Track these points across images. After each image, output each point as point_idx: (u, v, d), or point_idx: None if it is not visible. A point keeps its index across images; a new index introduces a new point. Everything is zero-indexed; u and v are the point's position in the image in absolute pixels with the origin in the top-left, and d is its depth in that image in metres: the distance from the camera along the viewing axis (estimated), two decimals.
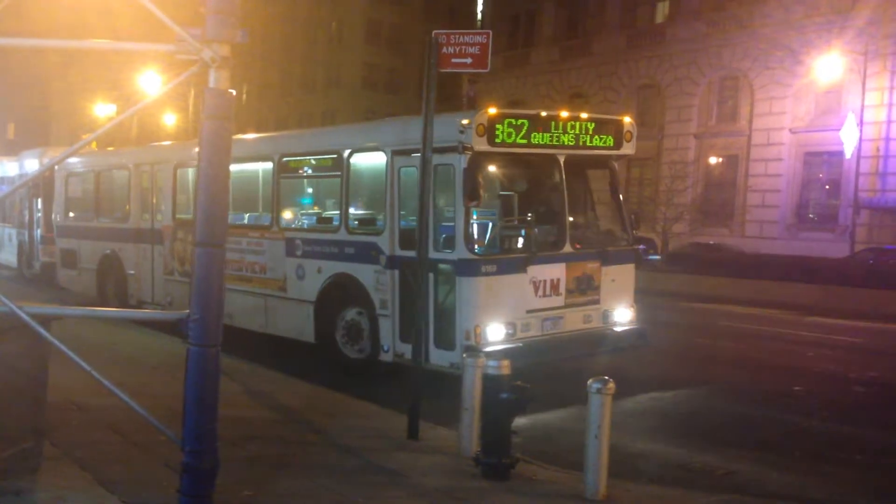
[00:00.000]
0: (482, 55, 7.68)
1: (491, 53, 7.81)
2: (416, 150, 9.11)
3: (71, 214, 18.23)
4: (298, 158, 12.50)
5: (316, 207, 12.79)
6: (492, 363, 6.73)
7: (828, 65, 29.37)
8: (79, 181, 18.21)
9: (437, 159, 9.01)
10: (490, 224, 10.05)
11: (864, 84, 28.55)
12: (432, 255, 9.24)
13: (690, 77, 36.12)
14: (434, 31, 7.87)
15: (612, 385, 6.22)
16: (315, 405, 9.16)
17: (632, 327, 10.94)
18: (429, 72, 7.70)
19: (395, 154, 10.30)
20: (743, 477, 7.47)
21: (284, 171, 12.41)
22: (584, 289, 10.36)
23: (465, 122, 9.37)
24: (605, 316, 10.69)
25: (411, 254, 9.38)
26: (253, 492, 5.94)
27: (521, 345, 9.57)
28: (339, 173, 11.22)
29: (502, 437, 6.61)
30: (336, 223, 11.35)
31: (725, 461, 7.90)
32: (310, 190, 13.19)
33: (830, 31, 30.21)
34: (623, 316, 10.85)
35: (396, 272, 10.23)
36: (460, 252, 9.45)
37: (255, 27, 50.63)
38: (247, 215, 13.40)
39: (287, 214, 12.69)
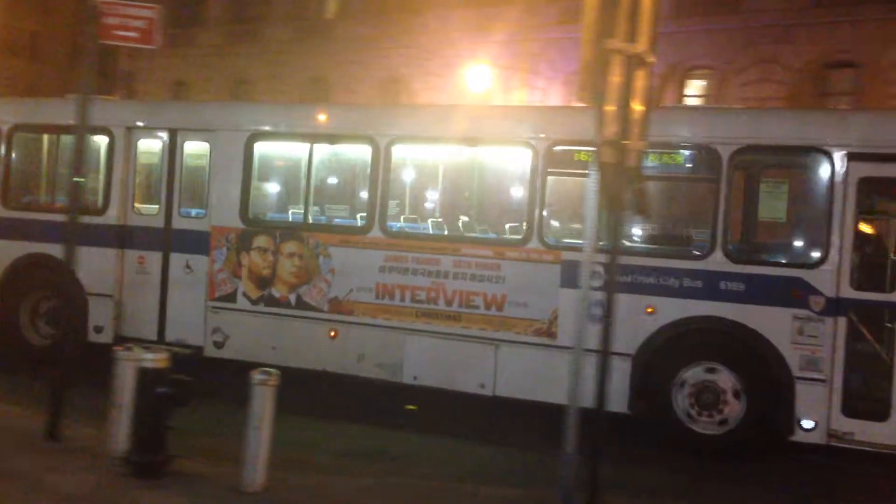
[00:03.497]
0: (150, 30, 7.26)
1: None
2: None
3: None
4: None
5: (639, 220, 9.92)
6: (148, 356, 6.42)
7: (478, 76, 31.93)
8: None
9: None
10: None
11: (507, 96, 31.56)
12: None
13: (356, 75, 37.21)
14: None
15: (275, 377, 6.27)
16: None
17: None
18: (88, 42, 7.11)
19: (852, 159, 8.09)
20: None
21: (560, 165, 9.18)
22: None
23: None
24: None
25: (879, 297, 8.05)
26: None
27: None
28: (711, 176, 8.67)
29: (157, 434, 6.34)
30: (703, 247, 8.68)
31: None
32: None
33: (478, 45, 32.87)
34: None
35: (843, 320, 8.14)
36: None
37: None
38: (428, 222, 10.29)
39: (559, 226, 9.57)
